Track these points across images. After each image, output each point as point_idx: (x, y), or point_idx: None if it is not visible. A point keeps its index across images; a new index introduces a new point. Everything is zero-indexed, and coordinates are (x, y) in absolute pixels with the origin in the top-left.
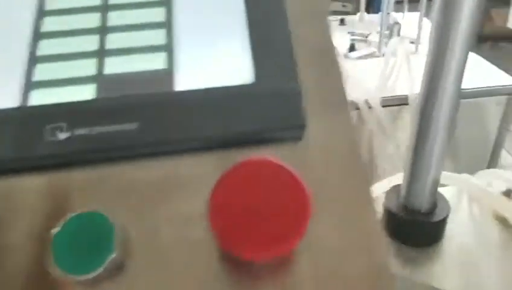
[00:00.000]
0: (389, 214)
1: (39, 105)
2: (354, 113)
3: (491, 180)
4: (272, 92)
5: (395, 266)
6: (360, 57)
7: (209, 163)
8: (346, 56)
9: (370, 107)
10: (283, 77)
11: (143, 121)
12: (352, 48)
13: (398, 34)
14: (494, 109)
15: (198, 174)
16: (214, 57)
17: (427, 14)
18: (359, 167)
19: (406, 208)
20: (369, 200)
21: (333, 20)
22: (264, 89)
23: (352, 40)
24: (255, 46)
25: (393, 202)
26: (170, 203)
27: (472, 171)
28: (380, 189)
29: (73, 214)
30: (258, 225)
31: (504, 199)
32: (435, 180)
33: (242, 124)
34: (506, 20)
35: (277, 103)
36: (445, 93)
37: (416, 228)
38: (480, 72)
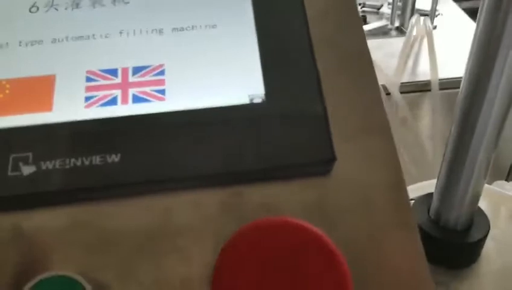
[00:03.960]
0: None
1: None
2: None
3: None
4: (287, 114)
5: None
6: (371, 31)
7: (211, 203)
8: None
9: (388, 94)
10: (302, 95)
11: (126, 151)
12: (363, 21)
13: (413, 6)
14: None
15: (198, 219)
16: (211, 70)
17: None
18: (404, 207)
19: (438, 224)
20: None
21: None
22: (277, 110)
23: (363, 12)
24: (265, 56)
25: (422, 216)
26: (162, 259)
27: (499, 170)
28: None
29: (35, 280)
30: None
31: None
32: (475, 192)
33: (249, 158)
34: None
35: (295, 128)
36: (502, 77)
37: (450, 248)
38: None
